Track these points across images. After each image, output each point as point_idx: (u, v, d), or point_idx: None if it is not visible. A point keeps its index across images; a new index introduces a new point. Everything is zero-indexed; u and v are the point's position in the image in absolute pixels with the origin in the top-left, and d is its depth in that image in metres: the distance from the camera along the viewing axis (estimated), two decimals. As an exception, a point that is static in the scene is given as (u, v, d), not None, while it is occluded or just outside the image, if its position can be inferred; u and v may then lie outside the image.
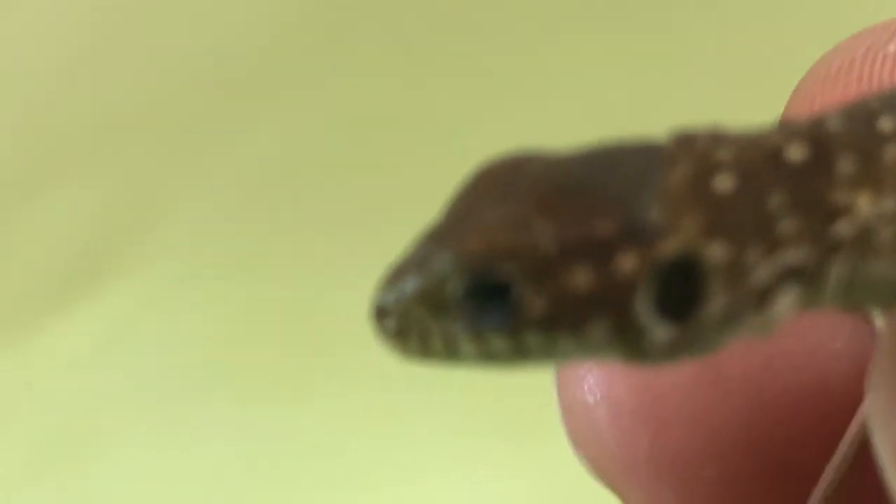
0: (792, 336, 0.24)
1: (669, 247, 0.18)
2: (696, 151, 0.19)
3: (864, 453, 0.23)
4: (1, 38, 0.69)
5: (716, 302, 0.19)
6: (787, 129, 0.20)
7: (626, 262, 0.18)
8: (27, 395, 0.62)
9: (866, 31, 0.27)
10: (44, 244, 0.66)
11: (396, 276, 0.19)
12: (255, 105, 0.67)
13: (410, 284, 0.19)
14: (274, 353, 0.61)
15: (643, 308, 0.18)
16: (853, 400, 0.24)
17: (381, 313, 0.19)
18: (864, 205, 0.19)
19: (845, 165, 0.19)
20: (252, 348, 0.62)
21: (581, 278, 0.18)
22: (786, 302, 0.19)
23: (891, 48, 0.26)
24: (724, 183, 0.19)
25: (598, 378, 0.25)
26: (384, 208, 0.60)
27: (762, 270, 0.19)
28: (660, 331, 0.18)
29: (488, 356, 0.19)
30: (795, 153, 0.19)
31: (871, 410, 0.20)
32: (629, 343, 0.19)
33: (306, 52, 0.68)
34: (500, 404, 0.55)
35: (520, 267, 0.18)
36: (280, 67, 0.67)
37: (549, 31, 0.66)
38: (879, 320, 0.24)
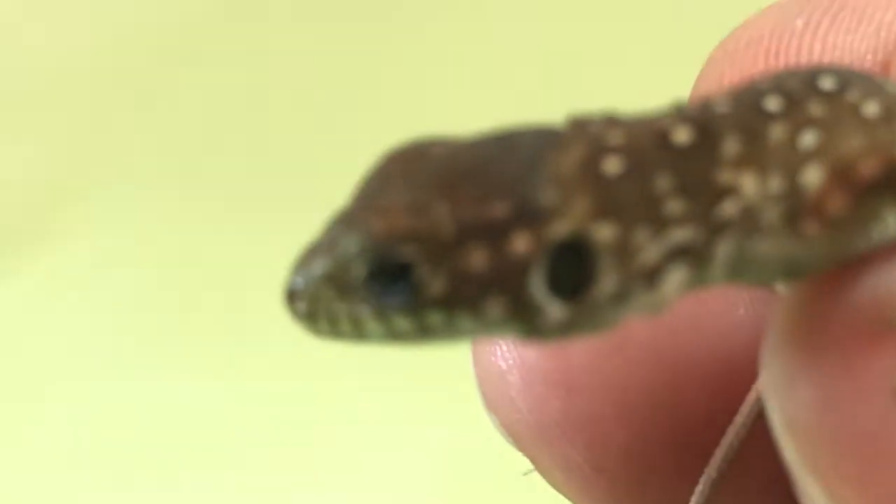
0: (697, 303, 0.25)
1: (560, 228, 0.19)
2: (588, 135, 0.20)
3: (762, 418, 0.23)
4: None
5: (606, 281, 0.19)
6: (676, 112, 0.20)
7: (520, 243, 0.19)
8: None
9: (776, 6, 0.27)
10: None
11: (306, 259, 0.20)
12: (185, 71, 0.67)
13: (318, 267, 0.20)
14: (213, 315, 0.62)
15: (537, 287, 0.19)
16: (754, 365, 0.24)
17: (292, 296, 0.20)
18: (749, 185, 0.20)
19: (730, 146, 0.20)
20: (189, 311, 0.62)
21: (477, 259, 0.19)
22: (674, 280, 0.20)
23: (798, 23, 0.26)
24: (612, 166, 0.19)
25: (511, 344, 0.25)
26: (318, 175, 0.61)
27: (650, 250, 0.19)
28: (553, 309, 0.19)
29: (394, 335, 0.20)
30: (681, 135, 0.20)
31: (765, 384, 0.21)
32: (524, 321, 0.19)
33: (233, 24, 0.68)
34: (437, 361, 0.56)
35: (419, 248, 0.19)
36: (210, 38, 0.68)
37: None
38: (780, 287, 0.24)
